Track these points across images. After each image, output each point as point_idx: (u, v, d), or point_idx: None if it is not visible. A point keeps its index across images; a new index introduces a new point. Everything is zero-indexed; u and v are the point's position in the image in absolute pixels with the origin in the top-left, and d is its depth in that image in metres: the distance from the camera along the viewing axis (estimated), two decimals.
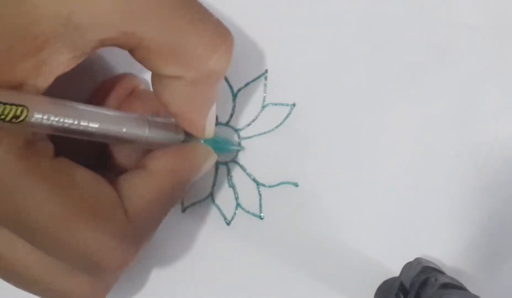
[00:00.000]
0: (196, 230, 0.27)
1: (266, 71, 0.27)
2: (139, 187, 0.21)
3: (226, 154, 0.27)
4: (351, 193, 0.27)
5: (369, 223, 0.27)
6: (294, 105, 0.27)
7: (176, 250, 0.27)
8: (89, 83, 0.23)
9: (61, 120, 0.18)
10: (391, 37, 0.28)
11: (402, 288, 0.25)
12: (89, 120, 0.19)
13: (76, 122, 0.19)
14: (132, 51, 0.19)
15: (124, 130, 0.21)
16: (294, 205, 0.27)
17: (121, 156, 0.23)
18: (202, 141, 0.24)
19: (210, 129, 0.23)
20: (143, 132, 0.21)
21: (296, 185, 0.27)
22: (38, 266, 0.19)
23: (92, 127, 0.19)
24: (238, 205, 0.27)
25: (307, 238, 0.27)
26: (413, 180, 0.27)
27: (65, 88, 0.19)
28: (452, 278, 0.24)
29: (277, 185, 0.27)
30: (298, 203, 0.27)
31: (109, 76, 0.25)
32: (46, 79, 0.18)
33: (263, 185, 0.27)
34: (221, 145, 0.25)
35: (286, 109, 0.27)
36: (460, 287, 0.24)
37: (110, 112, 0.21)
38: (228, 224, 0.27)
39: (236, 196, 0.27)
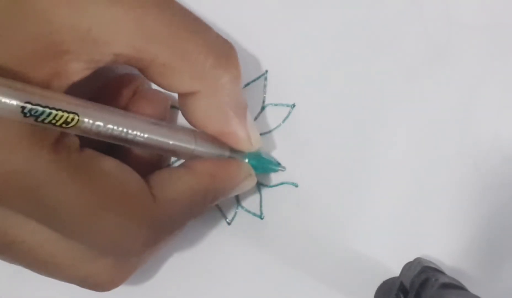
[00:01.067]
0: (196, 230, 0.27)
1: (266, 71, 0.27)
2: (175, 180, 0.21)
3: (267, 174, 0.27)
4: (351, 193, 0.27)
5: (369, 223, 0.27)
6: (294, 105, 0.27)
7: (176, 250, 0.27)
8: (89, 84, 0.23)
9: (110, 127, 0.19)
10: (391, 37, 0.28)
11: (402, 288, 0.25)
12: (138, 130, 0.20)
13: (125, 131, 0.20)
14: (146, 70, 0.20)
15: (171, 142, 0.21)
16: (294, 205, 0.27)
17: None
18: (246, 160, 0.24)
19: (255, 139, 0.23)
20: (190, 144, 0.22)
21: (296, 185, 0.27)
22: (63, 253, 0.20)
23: (140, 137, 0.20)
24: (238, 204, 0.27)
25: (307, 238, 0.27)
26: (413, 180, 0.27)
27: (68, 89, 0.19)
28: (452, 278, 0.24)
29: (277, 185, 0.27)
30: (298, 203, 0.27)
31: (108, 76, 0.25)
32: (61, 85, 0.18)
33: (264, 185, 0.27)
34: (265, 165, 0.26)
35: (286, 110, 0.27)
36: (460, 287, 0.24)
37: (159, 123, 0.21)
38: (228, 224, 0.27)
39: (236, 196, 0.27)
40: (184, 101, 0.22)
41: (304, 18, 0.28)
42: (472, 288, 0.24)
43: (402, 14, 0.28)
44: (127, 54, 0.19)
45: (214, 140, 0.23)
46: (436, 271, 0.25)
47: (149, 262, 0.27)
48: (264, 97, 0.27)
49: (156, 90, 0.24)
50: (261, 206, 0.27)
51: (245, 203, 0.27)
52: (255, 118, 0.27)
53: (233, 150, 0.24)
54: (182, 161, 0.24)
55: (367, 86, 0.27)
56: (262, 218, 0.27)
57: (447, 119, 0.28)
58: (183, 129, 0.22)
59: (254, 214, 0.27)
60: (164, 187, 0.21)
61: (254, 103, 0.27)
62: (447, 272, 0.26)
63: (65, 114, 0.18)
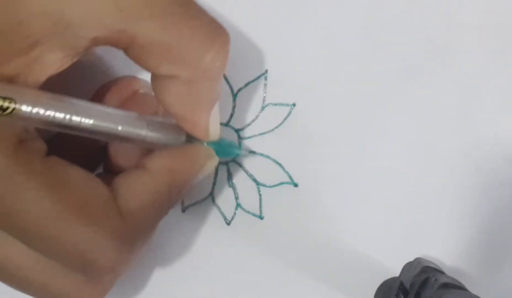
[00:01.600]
0: (196, 230, 0.27)
1: (266, 71, 0.27)
2: (135, 187, 0.20)
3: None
4: (351, 193, 0.27)
5: (369, 223, 0.27)
6: (294, 105, 0.27)
7: (176, 250, 0.27)
8: (89, 85, 0.23)
9: (52, 114, 0.18)
10: (391, 37, 0.28)
11: (402, 288, 0.25)
12: (82, 115, 0.19)
13: (67, 117, 0.18)
14: (126, 50, 0.19)
15: (120, 128, 0.20)
16: (294, 205, 0.27)
17: (120, 157, 0.23)
18: (205, 144, 0.23)
19: (214, 131, 0.23)
20: (141, 131, 0.21)
21: (296, 185, 0.27)
22: (31, 266, 0.19)
23: (85, 123, 0.19)
24: (238, 205, 0.27)
25: (307, 238, 0.27)
26: (413, 180, 0.27)
27: (64, 90, 0.19)
28: (452, 278, 0.24)
29: (277, 185, 0.27)
30: (298, 203, 0.27)
31: (109, 77, 0.25)
32: (37, 78, 0.18)
33: (263, 185, 0.27)
34: (225, 149, 0.24)
35: (286, 109, 0.27)
36: (460, 287, 0.24)
37: (106, 109, 0.20)
38: (228, 224, 0.27)
39: (236, 196, 0.27)
40: (158, 80, 0.21)
41: (304, 18, 0.27)
42: (472, 288, 0.24)
43: (402, 14, 0.28)
44: (104, 36, 0.18)
45: (169, 126, 0.22)
46: (436, 271, 0.25)
47: (149, 262, 0.27)
48: (264, 96, 0.27)
49: (153, 95, 0.23)
50: (261, 206, 0.27)
51: (245, 203, 0.27)
52: (255, 118, 0.27)
53: (190, 136, 0.23)
54: None
55: (367, 86, 0.27)
56: (262, 218, 0.27)
57: (447, 119, 0.28)
58: (134, 115, 0.21)
59: (254, 214, 0.27)
60: (128, 197, 0.20)
61: (254, 102, 0.27)
62: (447, 272, 0.26)
63: (0, 100, 0.16)
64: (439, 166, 0.27)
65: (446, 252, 0.27)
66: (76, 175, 0.19)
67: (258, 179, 0.27)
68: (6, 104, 0.17)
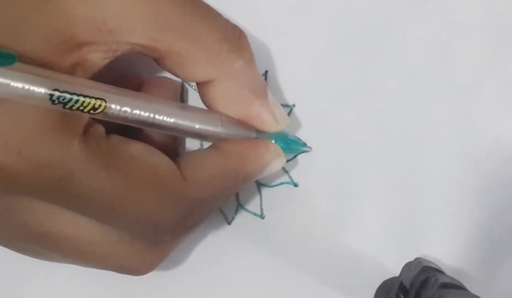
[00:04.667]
0: (196, 230, 0.27)
1: (266, 71, 0.27)
2: (204, 162, 0.22)
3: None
4: (351, 193, 0.27)
5: (369, 223, 0.27)
6: (294, 105, 0.27)
7: (176, 251, 0.27)
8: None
9: (137, 113, 0.19)
10: (391, 37, 0.28)
11: (402, 288, 0.25)
12: (164, 114, 0.20)
13: (151, 116, 0.20)
14: (161, 60, 0.20)
15: (197, 126, 0.21)
16: (294, 205, 0.27)
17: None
18: (273, 141, 0.24)
19: (281, 117, 0.23)
20: (216, 128, 0.22)
21: (296, 185, 0.27)
22: (101, 240, 0.20)
23: (167, 122, 0.20)
24: (239, 204, 0.27)
25: (307, 238, 0.27)
26: (413, 180, 0.27)
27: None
28: (452, 278, 0.24)
29: (277, 185, 0.27)
30: (298, 203, 0.27)
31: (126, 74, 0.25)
32: (85, 75, 0.19)
33: (264, 184, 0.27)
34: (292, 146, 0.25)
35: (286, 110, 0.27)
36: (460, 287, 0.24)
37: (184, 107, 0.22)
38: (229, 223, 0.27)
39: (236, 196, 0.27)
40: (203, 89, 0.22)
41: (304, 18, 0.28)
42: (472, 288, 0.24)
43: (402, 14, 0.28)
44: (142, 43, 0.19)
45: (240, 122, 0.23)
46: (436, 271, 0.25)
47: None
48: None
49: (164, 77, 0.24)
50: (261, 205, 0.27)
51: (245, 203, 0.27)
52: None
53: (259, 131, 0.23)
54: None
55: (366, 86, 0.27)
56: (262, 218, 0.27)
57: (447, 119, 0.28)
58: (208, 112, 0.22)
59: (255, 214, 0.27)
60: (194, 168, 0.21)
61: None
62: (447, 272, 0.26)
63: (93, 101, 0.18)
64: (439, 166, 0.27)
65: (446, 252, 0.27)
66: (139, 149, 0.20)
67: (258, 179, 0.27)
68: (97, 104, 0.18)
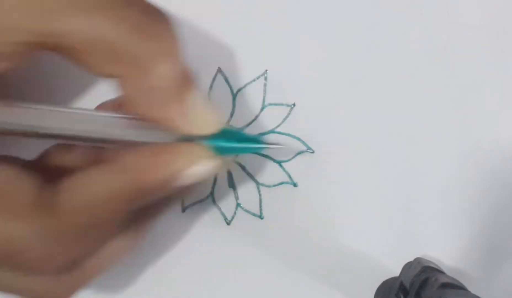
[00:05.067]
0: (196, 230, 0.27)
1: (266, 71, 0.27)
2: (89, 180, 0.18)
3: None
4: (351, 193, 0.27)
5: (369, 223, 0.27)
6: (294, 105, 0.27)
7: (176, 250, 0.27)
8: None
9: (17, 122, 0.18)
10: (391, 37, 0.28)
11: (402, 288, 0.25)
12: (52, 123, 0.18)
13: (36, 125, 0.18)
14: (61, 54, 0.17)
15: (92, 130, 0.19)
16: (294, 205, 0.27)
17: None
18: (207, 142, 0.20)
19: (203, 121, 0.19)
20: (113, 130, 0.19)
21: (296, 185, 0.27)
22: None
23: (51, 128, 0.18)
24: (238, 205, 0.27)
25: (307, 238, 0.27)
26: (413, 180, 0.27)
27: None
28: (452, 278, 0.24)
29: (277, 185, 0.27)
30: (298, 203, 0.27)
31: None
32: None
33: (263, 185, 0.27)
34: (237, 146, 0.20)
35: (286, 109, 0.27)
36: (460, 287, 0.24)
37: (79, 110, 0.19)
38: (228, 224, 0.27)
39: (236, 196, 0.27)
40: (117, 85, 0.18)
41: (305, 18, 0.28)
42: (472, 288, 0.24)
43: (402, 15, 0.28)
44: (30, 41, 0.17)
45: (152, 124, 0.19)
46: (436, 271, 0.25)
47: (149, 262, 0.27)
48: (264, 96, 0.27)
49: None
50: (261, 206, 0.27)
51: (245, 203, 0.27)
52: (255, 118, 0.27)
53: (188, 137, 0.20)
54: None
55: (367, 86, 0.27)
56: (262, 218, 0.27)
57: (447, 119, 0.28)
58: (115, 117, 0.19)
59: (254, 214, 0.27)
60: (73, 191, 0.18)
61: (254, 102, 0.27)
62: (447, 272, 0.26)
63: None
64: (439, 166, 0.27)
65: (446, 252, 0.27)
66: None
67: (258, 179, 0.27)
68: None
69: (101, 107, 0.21)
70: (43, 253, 0.18)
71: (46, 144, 0.21)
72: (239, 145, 0.20)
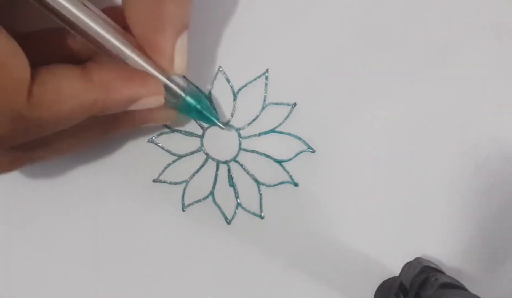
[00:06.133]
0: (196, 229, 0.27)
1: (267, 70, 0.27)
2: (63, 82, 0.20)
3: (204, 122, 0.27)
4: (351, 193, 0.27)
5: (369, 223, 0.27)
6: (294, 104, 0.27)
7: (176, 250, 0.27)
8: None
9: None
10: (391, 37, 0.28)
11: (402, 288, 0.25)
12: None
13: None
14: None
15: (104, 35, 0.20)
16: (294, 205, 0.27)
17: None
18: (184, 95, 0.23)
19: (179, 62, 0.22)
20: (109, 34, 0.21)
21: (296, 184, 0.27)
22: None
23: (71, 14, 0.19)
24: (238, 204, 0.27)
25: (307, 238, 0.27)
26: (413, 180, 0.27)
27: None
28: (452, 278, 0.24)
29: (277, 184, 0.27)
30: (298, 203, 0.27)
31: None
32: None
33: (264, 184, 0.27)
34: (199, 109, 0.24)
35: (287, 109, 0.27)
36: (460, 287, 0.24)
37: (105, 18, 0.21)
38: (228, 223, 0.27)
39: (236, 195, 0.27)
40: None
41: (305, 18, 0.28)
42: (472, 288, 0.24)
43: (402, 15, 0.28)
44: None
45: (139, 46, 0.22)
46: (436, 271, 0.25)
47: (149, 261, 0.27)
48: (265, 96, 0.27)
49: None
50: (261, 205, 0.27)
51: (245, 202, 0.27)
52: (256, 118, 0.27)
53: (170, 78, 0.23)
54: None
55: (367, 86, 0.28)
56: (262, 218, 0.27)
57: (447, 119, 0.28)
58: (124, 32, 0.21)
59: (254, 214, 0.27)
60: (47, 87, 0.19)
61: (255, 102, 0.27)
62: (447, 272, 0.26)
63: None
64: (439, 166, 0.27)
65: (446, 252, 0.27)
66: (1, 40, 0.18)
67: (259, 179, 0.27)
68: None
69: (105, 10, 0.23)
70: (3, 133, 0.19)
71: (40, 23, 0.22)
72: (197, 109, 0.24)
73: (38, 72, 0.19)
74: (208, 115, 0.25)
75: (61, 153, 0.23)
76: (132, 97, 0.22)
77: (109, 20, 0.21)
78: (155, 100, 0.22)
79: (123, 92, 0.21)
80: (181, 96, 0.24)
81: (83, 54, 0.23)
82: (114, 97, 0.21)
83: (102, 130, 0.24)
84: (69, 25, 0.20)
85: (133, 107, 0.22)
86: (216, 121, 0.25)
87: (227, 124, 0.27)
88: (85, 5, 0.20)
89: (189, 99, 0.24)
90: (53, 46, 0.23)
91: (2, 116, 0.18)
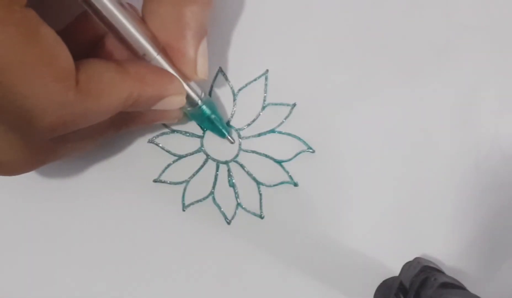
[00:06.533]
0: (196, 229, 0.27)
1: (267, 71, 0.27)
2: (104, 72, 0.21)
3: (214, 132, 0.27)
4: (351, 193, 0.27)
5: (369, 223, 0.27)
6: (294, 105, 0.27)
7: (176, 250, 0.27)
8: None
9: None
10: (391, 37, 0.28)
11: (402, 288, 0.25)
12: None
13: None
14: None
15: (136, 34, 0.21)
16: (294, 205, 0.27)
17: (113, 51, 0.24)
18: (201, 103, 0.24)
19: (202, 68, 0.23)
20: (153, 51, 0.22)
21: (296, 184, 0.27)
22: None
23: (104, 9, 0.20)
24: (238, 204, 0.27)
25: (307, 238, 0.27)
26: (413, 180, 0.27)
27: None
28: (452, 278, 0.24)
29: (277, 184, 0.27)
30: (298, 203, 0.27)
31: None
32: None
33: (264, 184, 0.27)
34: (212, 119, 0.25)
35: (287, 109, 0.27)
36: (460, 287, 0.24)
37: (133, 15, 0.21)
38: (228, 223, 0.27)
39: (236, 195, 0.27)
40: (149, 4, 0.22)
41: (305, 18, 0.28)
42: (472, 288, 0.24)
43: (402, 15, 0.28)
44: None
45: (162, 48, 0.22)
46: (436, 270, 0.25)
47: (149, 261, 0.27)
48: (265, 96, 0.27)
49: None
50: (261, 205, 0.27)
51: (245, 202, 0.27)
52: (256, 118, 0.27)
53: (189, 85, 0.23)
54: None
55: (367, 86, 0.28)
56: (262, 218, 0.27)
57: (447, 119, 0.28)
58: (152, 35, 0.22)
59: (254, 214, 0.27)
60: (91, 76, 0.20)
61: (255, 102, 0.27)
62: (447, 272, 0.26)
63: None
64: (439, 166, 0.27)
65: (446, 252, 0.27)
66: (47, 33, 0.18)
67: (258, 179, 0.27)
68: None
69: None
70: (51, 121, 0.19)
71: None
72: (210, 120, 0.25)
73: (80, 63, 0.20)
74: (220, 127, 0.26)
75: (79, 150, 0.24)
76: (163, 93, 0.22)
77: (140, 19, 0.22)
78: (180, 100, 0.23)
79: (156, 87, 0.22)
80: (197, 103, 0.24)
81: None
82: (148, 91, 0.22)
83: (116, 127, 0.24)
84: (105, 23, 0.21)
85: (158, 106, 0.23)
86: (227, 134, 0.26)
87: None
88: (121, 4, 0.21)
89: (204, 107, 0.25)
90: (83, 42, 0.23)
91: (53, 103, 0.19)
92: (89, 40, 0.24)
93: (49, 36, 0.19)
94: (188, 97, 0.24)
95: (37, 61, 0.18)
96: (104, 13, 0.21)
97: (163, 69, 0.23)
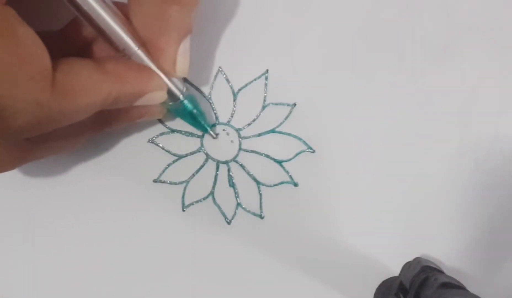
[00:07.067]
0: (196, 229, 0.27)
1: (267, 71, 0.27)
2: (81, 72, 0.20)
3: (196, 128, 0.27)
4: (351, 193, 0.27)
5: (369, 223, 0.27)
6: (294, 105, 0.27)
7: (176, 250, 0.27)
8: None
9: None
10: (391, 37, 0.28)
11: (402, 288, 0.25)
12: None
13: None
14: None
15: (117, 29, 0.21)
16: (294, 205, 0.27)
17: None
18: (182, 98, 0.24)
19: (182, 67, 0.23)
20: (133, 46, 0.22)
21: (296, 184, 0.27)
22: None
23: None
24: (238, 204, 0.27)
25: (307, 238, 0.27)
26: (413, 179, 0.27)
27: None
28: (452, 278, 0.24)
29: (277, 184, 0.27)
30: (298, 203, 0.27)
31: None
32: None
33: (264, 184, 0.27)
34: (194, 114, 0.25)
35: (287, 109, 0.27)
36: (459, 287, 0.24)
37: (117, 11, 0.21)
38: (228, 223, 0.27)
39: (236, 195, 0.27)
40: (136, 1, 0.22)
41: (305, 19, 0.28)
42: (472, 288, 0.24)
43: (402, 14, 0.28)
44: None
45: (143, 44, 0.22)
46: (436, 270, 0.25)
47: (149, 262, 0.27)
48: (265, 96, 0.27)
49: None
50: (261, 205, 0.27)
51: (245, 202, 0.27)
52: (256, 118, 0.27)
53: (171, 80, 0.23)
54: None
55: (367, 86, 0.28)
56: (262, 218, 0.27)
57: (447, 118, 0.28)
58: (133, 30, 0.22)
59: (254, 214, 0.27)
60: (67, 76, 0.20)
61: (255, 102, 0.27)
62: (447, 272, 0.26)
63: None
64: (439, 166, 0.27)
65: (446, 252, 0.27)
66: (25, 32, 0.18)
67: (258, 179, 0.27)
68: None
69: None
70: (26, 120, 0.19)
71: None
72: (192, 115, 0.25)
73: (57, 63, 0.20)
74: (202, 122, 0.26)
75: (61, 149, 0.24)
76: (143, 90, 0.23)
77: (121, 15, 0.22)
78: (161, 95, 0.23)
79: (135, 84, 0.22)
80: (179, 98, 0.24)
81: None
82: (127, 88, 0.22)
83: (99, 126, 0.24)
84: (86, 18, 0.21)
85: (139, 102, 0.23)
86: (208, 129, 0.26)
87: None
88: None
89: (186, 102, 0.25)
90: (64, 42, 0.23)
91: (28, 103, 0.18)
92: (80, 44, 0.24)
93: (27, 36, 0.18)
94: (169, 92, 0.24)
95: (12, 60, 0.18)
96: (84, 7, 0.21)
97: (142, 65, 0.23)
